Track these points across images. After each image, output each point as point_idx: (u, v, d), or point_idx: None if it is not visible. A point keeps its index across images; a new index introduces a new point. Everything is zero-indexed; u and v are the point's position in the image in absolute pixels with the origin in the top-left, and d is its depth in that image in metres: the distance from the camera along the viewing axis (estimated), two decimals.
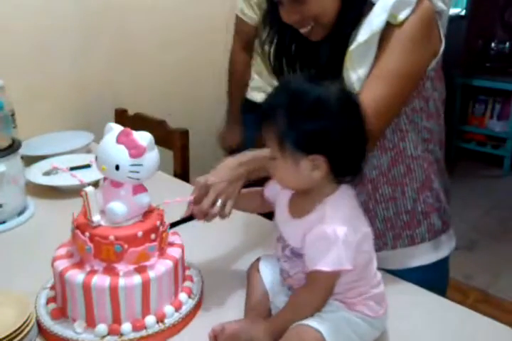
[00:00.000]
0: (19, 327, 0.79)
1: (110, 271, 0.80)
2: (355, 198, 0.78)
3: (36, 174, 1.38)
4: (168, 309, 0.85)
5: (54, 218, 1.20)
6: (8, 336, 0.77)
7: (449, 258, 1.07)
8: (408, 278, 0.98)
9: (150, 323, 0.82)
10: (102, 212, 0.82)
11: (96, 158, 0.81)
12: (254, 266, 0.90)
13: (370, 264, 0.79)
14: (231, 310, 0.89)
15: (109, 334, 0.81)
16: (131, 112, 1.74)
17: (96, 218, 0.80)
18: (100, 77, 1.83)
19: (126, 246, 0.79)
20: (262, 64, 1.69)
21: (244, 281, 0.91)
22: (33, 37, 1.66)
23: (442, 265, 1.06)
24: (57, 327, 0.82)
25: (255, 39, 1.67)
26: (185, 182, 1.48)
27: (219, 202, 0.85)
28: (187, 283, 0.91)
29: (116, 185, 0.81)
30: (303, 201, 0.77)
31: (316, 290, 0.75)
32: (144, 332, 0.82)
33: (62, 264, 0.83)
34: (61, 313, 0.84)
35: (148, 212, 0.85)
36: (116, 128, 0.80)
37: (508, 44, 3.57)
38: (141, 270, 0.81)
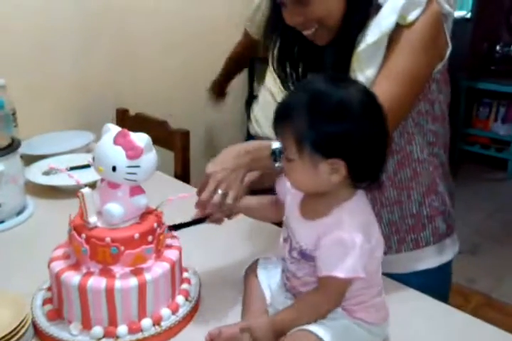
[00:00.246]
0: (14, 328, 0.78)
1: (106, 273, 0.79)
2: (369, 204, 0.77)
3: (36, 173, 1.38)
4: (165, 312, 0.84)
5: (53, 218, 1.19)
6: (3, 337, 0.76)
7: (452, 262, 1.06)
8: (411, 282, 0.97)
9: (146, 326, 0.82)
10: (99, 214, 0.82)
11: (93, 158, 0.80)
12: (252, 269, 0.89)
13: (378, 271, 0.78)
14: (229, 314, 0.88)
15: (104, 336, 0.80)
16: (132, 112, 1.74)
17: (92, 219, 0.79)
18: (101, 77, 1.83)
19: (122, 248, 0.78)
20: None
21: (242, 284, 0.90)
22: (34, 37, 1.66)
23: (446, 269, 1.05)
24: (52, 329, 0.82)
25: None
26: (186, 184, 1.48)
27: (219, 191, 0.82)
28: (184, 286, 0.90)
29: (114, 186, 0.80)
30: (316, 203, 0.75)
31: (328, 296, 0.74)
32: (140, 335, 0.81)
33: (58, 265, 0.83)
34: (57, 315, 0.84)
35: (145, 214, 0.85)
36: (114, 129, 0.80)
37: None
38: (137, 272, 0.80)
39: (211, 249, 1.09)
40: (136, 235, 0.80)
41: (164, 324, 0.83)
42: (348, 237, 0.69)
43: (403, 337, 0.83)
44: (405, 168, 0.96)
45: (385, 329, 0.80)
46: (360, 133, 0.68)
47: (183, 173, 1.56)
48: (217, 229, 1.15)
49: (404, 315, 0.87)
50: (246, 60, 1.89)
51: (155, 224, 0.83)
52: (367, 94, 0.71)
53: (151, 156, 0.80)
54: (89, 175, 1.13)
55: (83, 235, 0.79)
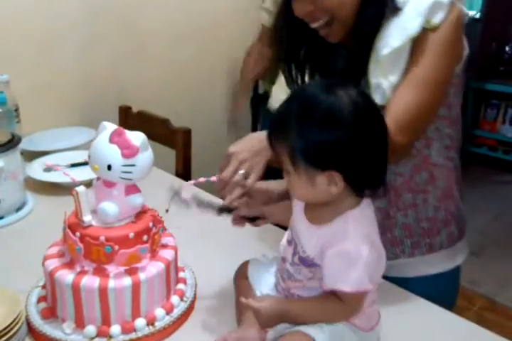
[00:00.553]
0: (8, 326, 0.78)
1: (100, 272, 0.79)
2: (374, 213, 0.75)
3: (37, 170, 1.38)
4: (159, 312, 0.83)
5: (53, 214, 1.18)
6: None
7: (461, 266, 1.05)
8: (422, 286, 0.96)
9: (140, 326, 0.81)
10: (94, 212, 0.81)
11: (89, 156, 0.79)
12: (241, 272, 0.88)
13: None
14: (224, 314, 0.88)
15: (97, 335, 0.79)
16: (135, 109, 1.74)
17: (87, 218, 0.79)
18: (105, 73, 1.82)
19: (116, 247, 0.77)
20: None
21: None
22: (37, 32, 1.65)
23: (455, 273, 1.04)
24: (46, 327, 0.81)
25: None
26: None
27: (241, 171, 0.81)
28: (180, 286, 0.90)
29: (109, 184, 0.80)
30: (321, 211, 0.73)
31: (347, 306, 0.72)
32: (133, 335, 0.80)
33: (52, 264, 0.82)
34: (51, 313, 0.83)
35: (141, 213, 0.84)
36: (110, 128, 0.79)
37: None
38: (131, 272, 0.80)
39: (208, 248, 1.08)
40: (131, 234, 0.79)
41: (158, 324, 0.82)
42: (353, 249, 0.68)
43: None
44: (422, 172, 0.94)
45: (374, 337, 0.78)
46: (353, 141, 0.66)
47: (184, 171, 1.56)
48: (216, 229, 1.15)
49: (409, 323, 0.86)
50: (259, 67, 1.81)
51: (150, 224, 0.83)
52: (361, 100, 0.68)
53: (146, 155, 0.79)
54: (90, 173, 1.13)
55: (77, 233, 0.79)
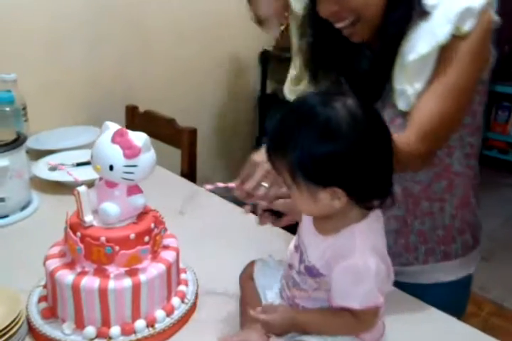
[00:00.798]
0: (8, 325, 0.78)
1: (101, 272, 0.78)
2: (382, 225, 0.73)
3: (42, 169, 1.38)
4: (160, 313, 0.83)
5: (58, 213, 1.18)
6: None
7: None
8: (432, 293, 0.95)
9: (140, 327, 0.80)
10: (96, 212, 0.81)
11: (91, 156, 0.79)
12: (247, 272, 0.87)
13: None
14: (226, 317, 0.87)
15: (97, 337, 0.79)
16: (141, 108, 1.74)
17: (88, 218, 0.78)
18: (111, 72, 1.83)
19: (117, 248, 0.77)
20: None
21: None
22: (45, 31, 1.66)
23: (468, 280, 1.03)
24: (46, 327, 0.81)
25: None
26: (192, 183, 1.46)
27: (265, 184, 0.79)
28: (181, 287, 0.89)
29: (111, 185, 0.79)
30: (326, 222, 0.72)
31: (363, 321, 0.71)
32: (133, 337, 0.80)
33: (53, 263, 0.82)
34: (51, 313, 0.83)
35: (142, 214, 0.83)
36: (113, 127, 0.79)
37: None
38: (132, 273, 0.79)
39: (211, 250, 1.08)
40: (132, 235, 0.78)
41: (158, 326, 0.82)
42: (361, 264, 0.66)
43: None
44: (441, 180, 0.92)
45: None
46: (353, 156, 0.64)
47: (189, 171, 1.55)
48: (220, 230, 1.14)
49: (417, 332, 0.85)
50: None
51: (152, 225, 0.82)
52: (360, 112, 0.65)
53: (149, 156, 0.79)
54: (95, 173, 1.13)
55: (78, 234, 0.78)
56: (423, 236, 0.96)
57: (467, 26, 0.78)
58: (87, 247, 0.77)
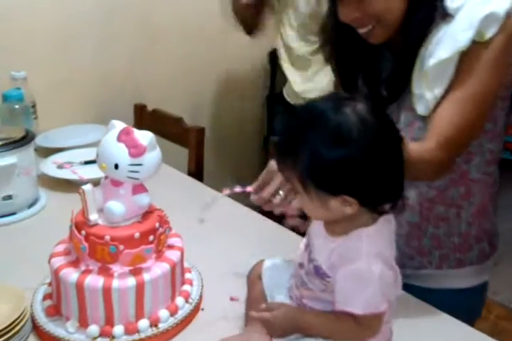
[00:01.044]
0: (12, 323, 0.78)
1: (105, 271, 0.78)
2: (392, 230, 0.72)
3: (50, 166, 1.38)
4: (163, 313, 0.83)
5: (65, 211, 1.19)
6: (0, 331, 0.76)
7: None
8: (443, 299, 0.93)
9: (143, 327, 0.80)
10: (101, 211, 0.81)
11: (97, 155, 0.79)
12: (255, 272, 0.87)
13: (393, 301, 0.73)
14: (231, 317, 0.86)
15: (100, 335, 0.79)
16: (150, 107, 1.74)
17: (93, 217, 0.78)
18: (121, 71, 1.83)
19: (121, 247, 0.77)
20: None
21: (247, 287, 0.88)
22: (56, 31, 1.67)
23: (482, 288, 1.01)
24: (50, 325, 0.81)
25: None
26: (199, 182, 1.46)
27: (281, 192, 0.79)
28: (185, 287, 0.89)
29: (116, 184, 0.79)
30: (335, 225, 0.71)
31: (366, 327, 0.70)
32: (136, 336, 0.80)
33: (58, 261, 0.82)
34: (56, 311, 0.83)
35: (147, 213, 0.83)
36: (119, 126, 0.78)
37: None
38: (136, 272, 0.79)
39: (216, 250, 1.07)
40: (137, 234, 0.78)
41: (162, 326, 0.82)
42: (365, 269, 0.66)
43: None
44: (458, 186, 0.91)
45: None
46: (364, 163, 0.63)
47: (196, 170, 1.55)
48: (225, 230, 1.14)
49: (426, 338, 0.83)
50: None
51: (157, 224, 0.82)
52: (370, 118, 0.64)
53: (154, 155, 0.78)
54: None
55: (83, 232, 0.78)
56: (437, 241, 0.94)
57: (490, 32, 0.76)
58: (92, 246, 0.77)
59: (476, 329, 0.88)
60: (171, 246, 0.86)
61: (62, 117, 1.68)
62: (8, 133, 1.20)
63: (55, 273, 0.81)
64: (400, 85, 0.85)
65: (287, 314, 0.73)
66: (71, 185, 1.34)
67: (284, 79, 1.74)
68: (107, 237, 0.76)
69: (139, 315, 0.80)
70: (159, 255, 0.83)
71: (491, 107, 0.84)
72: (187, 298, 0.87)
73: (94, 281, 0.77)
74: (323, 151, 0.63)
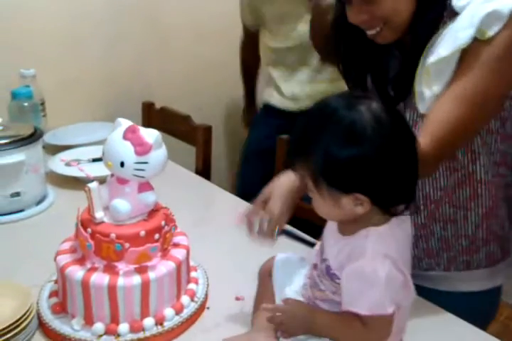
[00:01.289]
0: (18, 319, 0.78)
1: (110, 269, 0.78)
2: (407, 232, 0.71)
3: (58, 164, 1.39)
4: (169, 312, 0.82)
5: (73, 209, 1.19)
6: (6, 328, 0.76)
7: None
8: (454, 301, 0.92)
9: (148, 325, 0.80)
10: (107, 209, 0.81)
11: (103, 153, 0.79)
12: (266, 268, 0.86)
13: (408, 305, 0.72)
14: (236, 316, 0.86)
15: (106, 333, 0.79)
16: (158, 105, 1.74)
17: (99, 214, 0.78)
18: (130, 69, 1.83)
19: (127, 245, 0.77)
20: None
21: (253, 286, 0.87)
22: (65, 30, 1.67)
23: (495, 292, 0.99)
24: (56, 322, 0.81)
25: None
26: (206, 180, 1.46)
27: (265, 227, 0.86)
28: (191, 286, 0.89)
29: (122, 181, 0.79)
30: (348, 222, 0.71)
31: (374, 331, 0.69)
32: (141, 334, 0.79)
33: (64, 259, 0.82)
34: (62, 308, 0.83)
35: (153, 211, 0.83)
36: (125, 124, 0.78)
37: None
38: (141, 270, 0.79)
39: (222, 248, 1.07)
40: (142, 232, 0.78)
41: (167, 324, 0.82)
42: (369, 269, 0.65)
43: None
44: (465, 187, 0.89)
45: None
46: (377, 162, 0.62)
47: (204, 169, 1.55)
48: (229, 228, 1.13)
49: (435, 339, 0.83)
50: (257, 67, 1.78)
51: (162, 222, 0.81)
52: (385, 116, 0.64)
53: (160, 153, 0.78)
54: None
55: (89, 230, 0.78)
56: (446, 243, 0.93)
57: (493, 30, 0.75)
58: (97, 243, 0.77)
59: (487, 333, 0.87)
60: (176, 245, 0.86)
61: (70, 115, 1.69)
62: (16, 130, 1.21)
63: (61, 270, 0.81)
64: (407, 84, 0.84)
65: (299, 310, 0.73)
66: (79, 183, 1.35)
67: None
68: (113, 235, 0.76)
69: (145, 313, 0.80)
70: (165, 253, 0.82)
71: (495, 107, 0.82)
72: (192, 296, 0.87)
73: (100, 279, 0.77)
74: (336, 149, 0.63)
